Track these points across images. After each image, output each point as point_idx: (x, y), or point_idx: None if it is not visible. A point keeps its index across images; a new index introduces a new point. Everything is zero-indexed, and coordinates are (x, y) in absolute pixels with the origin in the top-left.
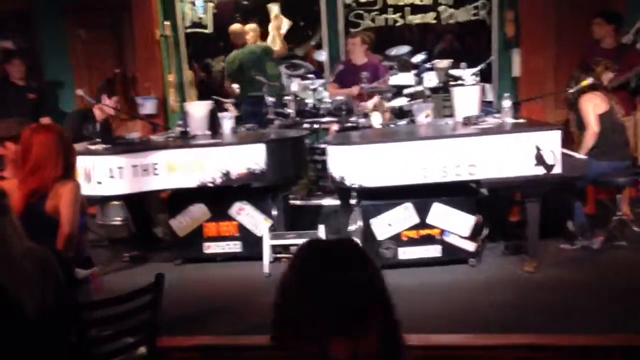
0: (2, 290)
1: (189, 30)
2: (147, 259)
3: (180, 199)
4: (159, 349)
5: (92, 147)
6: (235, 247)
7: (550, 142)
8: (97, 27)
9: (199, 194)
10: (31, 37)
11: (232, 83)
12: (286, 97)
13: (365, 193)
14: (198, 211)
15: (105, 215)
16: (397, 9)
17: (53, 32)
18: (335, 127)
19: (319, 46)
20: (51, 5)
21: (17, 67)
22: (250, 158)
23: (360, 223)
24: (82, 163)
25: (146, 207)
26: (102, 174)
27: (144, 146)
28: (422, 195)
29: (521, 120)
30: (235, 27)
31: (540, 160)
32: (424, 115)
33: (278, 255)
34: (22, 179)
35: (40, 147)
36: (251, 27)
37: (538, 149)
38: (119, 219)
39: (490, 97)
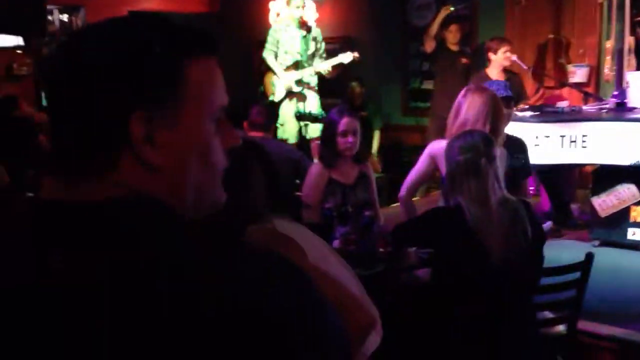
0: (471, 233)
1: None
2: (561, 234)
3: (607, 176)
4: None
5: (519, 114)
6: None
7: None
8: None
9: (631, 173)
10: (471, 3)
11: None
12: None
13: None
14: (627, 192)
15: None
16: None
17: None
18: None
19: None
20: None
21: (453, 33)
22: None
23: None
24: (509, 129)
25: (564, 180)
26: (527, 142)
27: (573, 116)
28: None
29: None
30: None
31: None
32: None
33: None
34: (449, 137)
35: (470, 108)
36: None
37: None
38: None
39: None
